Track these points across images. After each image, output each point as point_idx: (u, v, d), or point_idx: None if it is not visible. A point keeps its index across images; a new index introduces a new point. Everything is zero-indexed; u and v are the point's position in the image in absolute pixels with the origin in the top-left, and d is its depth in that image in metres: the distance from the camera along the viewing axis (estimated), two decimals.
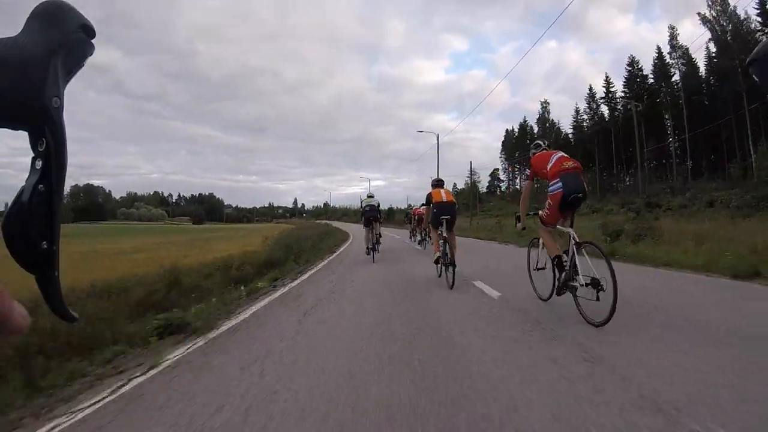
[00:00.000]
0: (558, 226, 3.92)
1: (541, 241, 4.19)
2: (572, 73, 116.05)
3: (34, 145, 0.39)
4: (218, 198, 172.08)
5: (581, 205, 3.79)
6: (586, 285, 3.34)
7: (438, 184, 6.37)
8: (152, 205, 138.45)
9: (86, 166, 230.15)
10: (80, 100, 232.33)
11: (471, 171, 37.33)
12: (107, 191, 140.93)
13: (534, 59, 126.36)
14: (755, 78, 0.67)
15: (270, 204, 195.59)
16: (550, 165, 3.81)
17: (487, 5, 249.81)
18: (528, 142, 64.61)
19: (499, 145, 77.91)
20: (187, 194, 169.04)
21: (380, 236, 9.64)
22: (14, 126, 0.38)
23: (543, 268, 4.22)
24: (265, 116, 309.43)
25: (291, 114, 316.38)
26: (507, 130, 75.59)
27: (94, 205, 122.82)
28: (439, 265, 5.87)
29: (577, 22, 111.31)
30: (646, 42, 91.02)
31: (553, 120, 62.67)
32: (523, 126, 69.90)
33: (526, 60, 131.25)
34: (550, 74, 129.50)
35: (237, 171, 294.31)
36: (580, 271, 3.45)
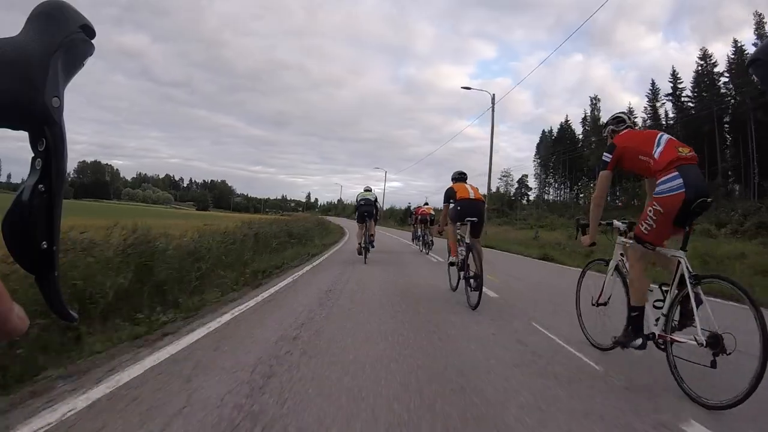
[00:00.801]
0: (658, 249, 2.49)
1: (614, 264, 2.92)
2: (598, 88, 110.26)
3: (34, 145, 0.38)
4: (229, 186, 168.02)
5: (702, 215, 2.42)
6: (705, 344, 2.09)
7: (461, 177, 5.22)
8: (160, 188, 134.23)
9: (107, 146, 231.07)
10: (107, 82, 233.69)
11: (539, 162, 29.58)
12: (115, 170, 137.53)
13: (560, 72, 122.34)
14: (756, 78, 0.63)
15: (283, 196, 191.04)
16: (658, 150, 2.45)
17: (517, 14, 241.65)
18: (568, 142, 56.74)
19: (521, 155, 70.19)
20: (201, 180, 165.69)
21: (373, 237, 8.95)
22: (14, 126, 0.37)
23: (605, 304, 2.97)
24: (289, 111, 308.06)
25: (314, 110, 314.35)
26: (543, 131, 67.03)
27: (100, 182, 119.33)
28: (459, 274, 4.68)
29: (605, 37, 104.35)
30: (673, 62, 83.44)
31: (601, 120, 54.32)
32: (564, 127, 61.64)
33: (552, 73, 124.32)
34: (575, 88, 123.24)
35: (256, 162, 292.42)
36: (697, 322, 2.16)
